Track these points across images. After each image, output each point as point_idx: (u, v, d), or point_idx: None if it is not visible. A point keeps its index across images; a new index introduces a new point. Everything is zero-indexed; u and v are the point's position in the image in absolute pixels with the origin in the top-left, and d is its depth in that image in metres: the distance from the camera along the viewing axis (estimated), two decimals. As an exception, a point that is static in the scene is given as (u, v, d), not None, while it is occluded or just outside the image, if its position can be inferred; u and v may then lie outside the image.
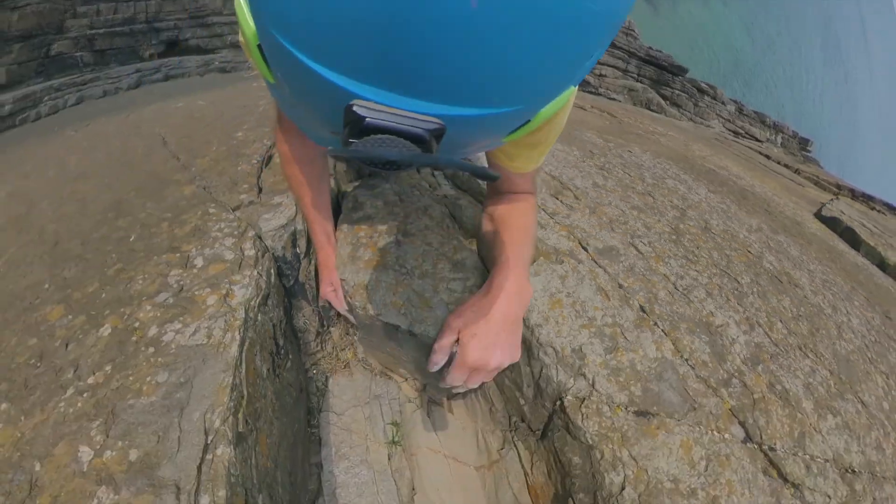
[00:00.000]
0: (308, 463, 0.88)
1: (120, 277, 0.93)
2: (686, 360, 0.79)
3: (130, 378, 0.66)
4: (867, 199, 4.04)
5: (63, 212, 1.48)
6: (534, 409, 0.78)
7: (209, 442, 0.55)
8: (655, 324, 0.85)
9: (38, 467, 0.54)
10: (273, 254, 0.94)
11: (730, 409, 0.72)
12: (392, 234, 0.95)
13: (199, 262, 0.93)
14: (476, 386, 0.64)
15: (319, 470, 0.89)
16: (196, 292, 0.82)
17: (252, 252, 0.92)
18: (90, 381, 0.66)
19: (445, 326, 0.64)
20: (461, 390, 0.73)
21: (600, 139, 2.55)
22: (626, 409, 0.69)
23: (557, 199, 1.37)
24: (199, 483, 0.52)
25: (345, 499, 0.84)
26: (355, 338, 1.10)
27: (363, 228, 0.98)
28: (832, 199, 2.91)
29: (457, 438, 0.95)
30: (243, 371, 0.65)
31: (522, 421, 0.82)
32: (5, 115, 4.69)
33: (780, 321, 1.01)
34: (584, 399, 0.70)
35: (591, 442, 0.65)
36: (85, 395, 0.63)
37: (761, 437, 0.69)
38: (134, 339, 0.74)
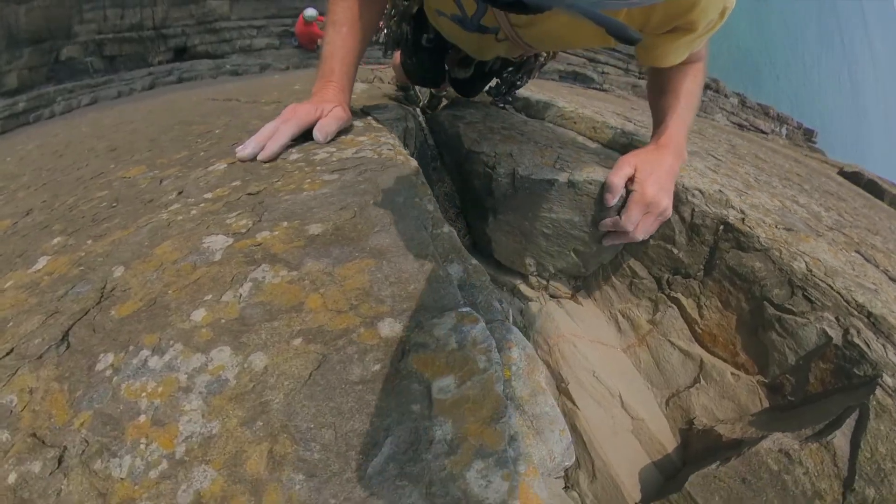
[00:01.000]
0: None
1: (217, 143, 0.96)
2: (793, 211, 0.88)
3: (278, 183, 0.69)
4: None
5: (114, 141, 1.59)
6: (690, 252, 0.84)
7: (429, 223, 0.59)
8: (760, 189, 0.95)
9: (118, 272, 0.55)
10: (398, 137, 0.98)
11: (845, 241, 0.81)
12: (508, 127, 1.04)
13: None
14: (642, 238, 0.75)
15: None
16: (336, 139, 0.82)
17: (382, 127, 0.95)
18: (207, 196, 0.70)
19: (620, 162, 0.73)
20: (618, 241, 0.80)
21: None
22: (777, 225, 0.77)
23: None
24: (437, 255, 0.52)
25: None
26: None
27: (476, 123, 1.06)
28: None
29: (594, 325, 1.00)
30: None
31: (677, 273, 0.88)
32: (19, 112, 4.76)
33: (845, 212, 1.11)
34: (743, 219, 0.77)
35: (765, 245, 0.72)
36: (202, 204, 0.67)
37: (876, 263, 0.78)
38: (266, 166, 0.76)
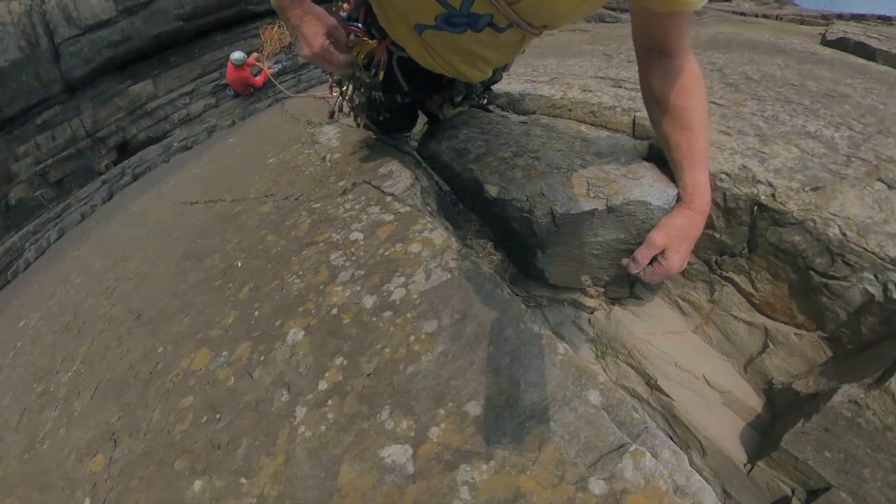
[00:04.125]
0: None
1: (263, 290, 0.98)
2: (812, 155, 1.02)
3: (386, 351, 0.74)
4: (859, 18, 4.27)
5: (131, 285, 1.54)
6: (731, 233, 1.01)
7: (545, 347, 0.69)
8: (774, 141, 1.08)
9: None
10: (421, 205, 1.11)
11: (865, 173, 0.94)
12: (519, 151, 1.17)
13: (356, 236, 1.06)
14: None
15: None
16: (383, 253, 0.95)
17: (407, 208, 1.08)
18: (323, 386, 0.70)
19: (650, 243, 0.90)
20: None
21: (599, 45, 2.80)
22: (804, 189, 0.91)
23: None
24: (574, 384, 0.65)
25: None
26: (507, 275, 1.30)
27: (485, 157, 1.18)
28: (827, 28, 3.15)
29: (660, 316, 1.15)
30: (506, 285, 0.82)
31: (723, 254, 1.03)
32: None
33: (853, 119, 1.23)
34: (773, 195, 0.92)
35: (799, 218, 0.88)
36: (329, 402, 0.69)
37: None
38: (346, 321, 0.80)
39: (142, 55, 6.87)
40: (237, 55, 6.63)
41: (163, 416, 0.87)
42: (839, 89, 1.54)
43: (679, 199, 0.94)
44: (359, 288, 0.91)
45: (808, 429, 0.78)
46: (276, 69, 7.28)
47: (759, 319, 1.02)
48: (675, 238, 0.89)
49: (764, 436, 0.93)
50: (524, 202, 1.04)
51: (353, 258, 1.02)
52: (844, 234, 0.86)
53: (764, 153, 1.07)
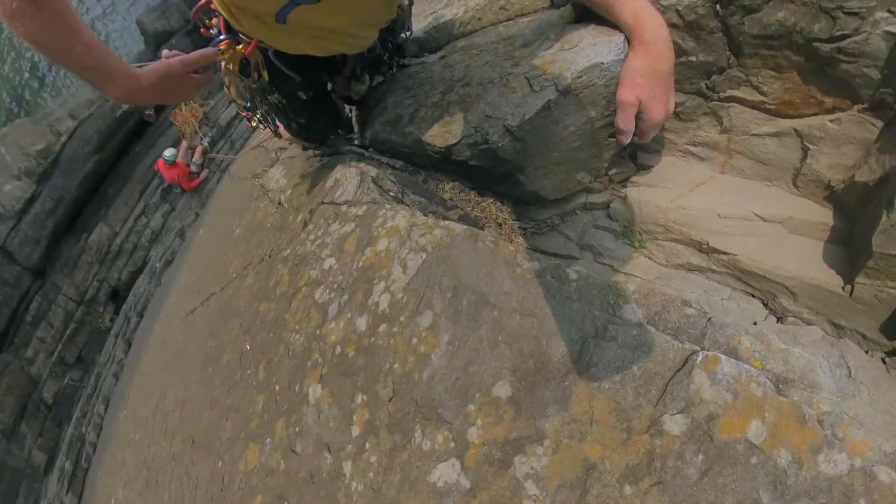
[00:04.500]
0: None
1: (274, 361, 0.96)
2: None
3: (396, 367, 0.67)
4: None
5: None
6: (707, 47, 0.86)
7: (552, 279, 0.59)
8: None
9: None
10: (380, 196, 1.01)
11: None
12: (447, 89, 1.04)
13: (328, 263, 1.01)
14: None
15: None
16: (357, 265, 0.88)
17: (362, 209, 0.99)
18: (356, 431, 0.68)
19: (620, 105, 0.78)
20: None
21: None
22: None
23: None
24: (606, 308, 0.54)
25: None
26: (507, 213, 1.18)
27: (419, 111, 1.05)
28: None
29: (679, 174, 1.01)
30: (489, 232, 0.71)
31: (710, 75, 0.90)
32: (70, 472, 5.21)
33: None
34: None
35: None
36: (368, 444, 0.66)
37: None
38: (351, 353, 0.74)
39: (81, 205, 6.84)
40: (168, 153, 6.56)
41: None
42: None
43: (628, 40, 0.79)
44: (349, 315, 0.85)
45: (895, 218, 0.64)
46: (207, 143, 7.17)
47: (785, 124, 0.87)
48: (644, 85, 0.76)
49: (849, 247, 0.80)
50: (474, 134, 0.91)
51: (335, 286, 0.94)
52: None
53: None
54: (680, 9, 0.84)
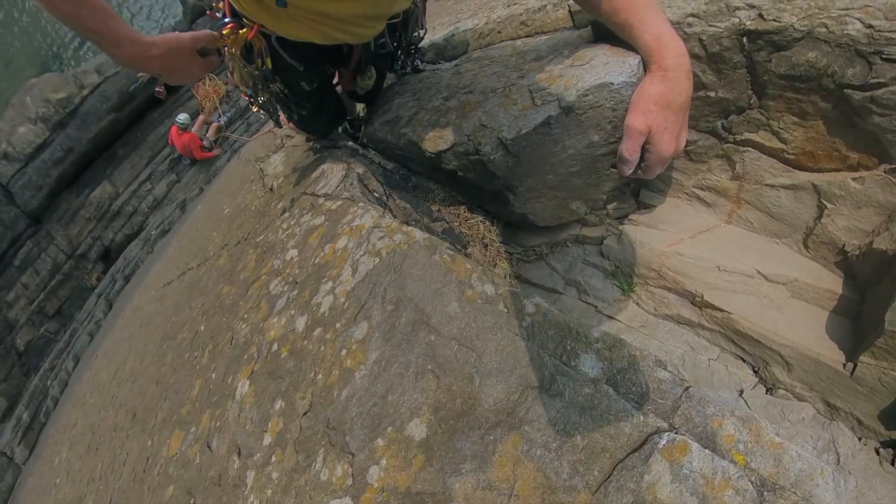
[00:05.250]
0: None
1: (219, 347, 0.94)
2: None
3: (319, 378, 0.64)
4: None
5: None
6: (728, 83, 0.81)
7: (506, 310, 0.52)
8: None
9: None
10: (361, 194, 0.96)
11: None
12: (450, 95, 0.98)
13: (291, 254, 0.97)
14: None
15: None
16: (314, 261, 0.85)
17: (338, 203, 0.95)
18: (267, 441, 0.65)
19: (628, 131, 0.70)
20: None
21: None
22: None
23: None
24: (554, 355, 0.45)
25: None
26: (494, 234, 1.11)
27: (418, 115, 1.00)
28: None
29: (682, 218, 0.94)
30: (451, 245, 0.66)
31: (729, 114, 0.83)
32: (27, 424, 5.07)
33: None
34: (761, 14, 0.72)
35: (803, 28, 0.69)
36: (273, 459, 0.62)
37: None
38: (284, 353, 0.74)
39: (89, 160, 6.83)
40: (182, 117, 6.57)
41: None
42: None
43: (645, 65, 0.73)
44: (293, 312, 0.80)
45: (920, 292, 0.58)
46: (224, 122, 7.18)
47: (803, 177, 0.80)
48: (657, 113, 0.68)
49: (856, 321, 0.73)
50: (466, 143, 0.84)
51: (290, 279, 0.88)
52: (870, 26, 0.64)
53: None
54: (704, 38, 0.78)
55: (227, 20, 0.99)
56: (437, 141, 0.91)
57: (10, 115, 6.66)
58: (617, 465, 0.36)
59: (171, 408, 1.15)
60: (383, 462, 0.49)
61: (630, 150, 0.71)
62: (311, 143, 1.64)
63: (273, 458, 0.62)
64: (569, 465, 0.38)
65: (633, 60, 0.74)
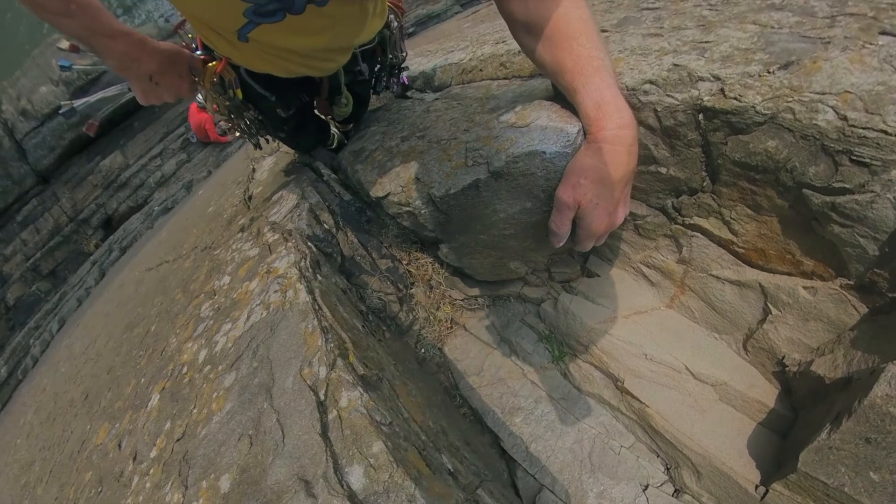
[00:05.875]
0: (482, 444, 0.86)
1: (154, 353, 0.98)
2: (777, 27, 0.75)
3: (195, 412, 0.70)
4: None
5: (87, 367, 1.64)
6: (681, 162, 0.76)
7: (323, 398, 0.53)
8: (723, 25, 0.81)
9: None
10: (300, 232, 0.96)
11: (860, 28, 0.67)
12: (408, 135, 0.97)
13: (225, 280, 0.99)
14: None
15: (499, 442, 0.86)
16: (233, 296, 0.88)
17: (276, 236, 0.96)
18: (153, 454, 0.72)
19: (560, 204, 0.68)
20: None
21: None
22: (767, 71, 0.64)
23: None
24: (333, 456, 0.46)
25: (547, 448, 0.82)
26: (442, 277, 1.09)
27: (374, 152, 0.99)
28: None
29: (622, 293, 0.91)
30: (327, 314, 0.66)
31: (679, 194, 0.79)
32: (5, 377, 5.10)
33: None
34: (722, 89, 0.66)
35: (767, 111, 0.61)
36: (151, 471, 0.69)
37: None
38: (186, 379, 0.79)
39: (104, 129, 6.94)
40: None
41: (75, 493, 0.91)
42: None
43: (585, 133, 0.70)
44: (203, 342, 0.82)
45: (838, 441, 0.52)
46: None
47: (751, 275, 0.75)
48: (588, 188, 0.65)
49: (782, 441, 0.68)
50: (398, 194, 0.82)
51: (216, 307, 0.88)
52: (844, 118, 0.56)
53: (706, 42, 0.78)
54: (659, 110, 0.73)
55: (198, 52, 1.02)
56: (377, 186, 0.89)
57: (34, 74, 6.80)
58: None
59: (111, 399, 1.20)
60: (200, 502, 0.54)
61: (558, 223, 0.68)
62: (296, 156, 1.65)
63: (151, 471, 0.67)
64: None
65: (573, 129, 0.71)
